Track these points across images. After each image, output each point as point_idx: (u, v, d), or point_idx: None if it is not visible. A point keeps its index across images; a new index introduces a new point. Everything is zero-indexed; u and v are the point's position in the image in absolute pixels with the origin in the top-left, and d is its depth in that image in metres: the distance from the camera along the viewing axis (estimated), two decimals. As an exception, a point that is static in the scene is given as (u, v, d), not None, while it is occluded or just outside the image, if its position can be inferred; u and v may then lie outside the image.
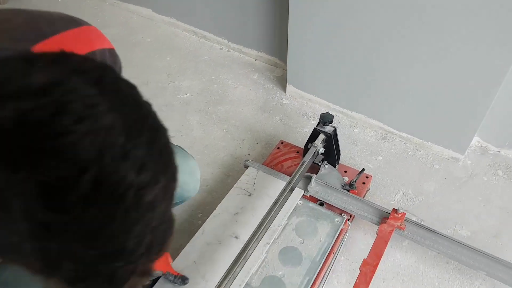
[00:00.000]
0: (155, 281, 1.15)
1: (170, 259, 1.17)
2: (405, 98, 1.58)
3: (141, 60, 2.05)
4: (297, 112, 1.82)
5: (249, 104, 1.86)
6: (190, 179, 1.26)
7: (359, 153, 1.66)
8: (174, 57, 2.07)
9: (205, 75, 1.98)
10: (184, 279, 1.13)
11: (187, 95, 1.88)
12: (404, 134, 1.69)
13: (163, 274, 1.12)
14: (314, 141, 1.37)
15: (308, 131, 1.61)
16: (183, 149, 1.31)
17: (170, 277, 1.12)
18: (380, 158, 1.64)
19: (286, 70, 1.85)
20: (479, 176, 1.57)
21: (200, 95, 1.89)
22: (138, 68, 2.00)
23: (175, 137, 1.71)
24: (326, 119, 1.33)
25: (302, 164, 1.31)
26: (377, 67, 1.56)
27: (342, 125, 1.76)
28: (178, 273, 1.14)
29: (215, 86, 1.93)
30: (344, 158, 1.61)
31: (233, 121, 1.79)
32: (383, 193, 1.52)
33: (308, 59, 1.71)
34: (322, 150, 1.38)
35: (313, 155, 1.35)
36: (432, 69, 1.45)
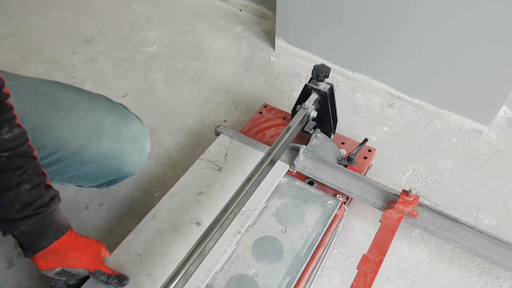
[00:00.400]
0: (82, 281, 0.86)
1: (103, 252, 0.87)
2: (418, 56, 1.27)
3: (102, 5, 1.71)
4: (286, 72, 1.51)
5: (229, 61, 1.54)
6: (132, 148, 0.95)
7: (360, 123, 1.35)
8: (142, 3, 1.73)
9: (177, 25, 1.65)
10: (121, 279, 0.84)
11: (153, 48, 1.56)
12: (415, 101, 1.38)
13: (90, 273, 0.82)
14: (305, 101, 1.06)
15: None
16: (125, 108, 1.00)
17: (102, 277, 0.83)
18: (385, 128, 1.34)
19: (275, 23, 1.52)
20: (506, 153, 1.28)
21: (169, 49, 1.56)
22: (97, 16, 1.66)
23: (133, 97, 1.39)
24: (320, 71, 1.02)
25: (287, 130, 1.00)
26: (385, 16, 1.24)
27: (341, 89, 1.45)
28: (114, 271, 0.84)
29: (189, 39, 1.60)
30: (342, 128, 1.31)
31: (208, 80, 1.47)
32: (389, 171, 1.22)
33: (301, 7, 1.38)
34: (314, 114, 1.08)
35: (302, 119, 1.04)
36: (456, 21, 1.13)
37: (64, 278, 0.82)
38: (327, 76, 1.03)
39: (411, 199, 0.96)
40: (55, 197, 0.79)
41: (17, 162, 0.74)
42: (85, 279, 0.86)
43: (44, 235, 0.77)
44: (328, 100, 1.06)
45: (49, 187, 0.78)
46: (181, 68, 1.50)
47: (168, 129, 1.32)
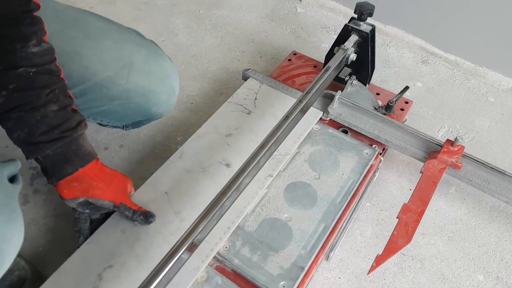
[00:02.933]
0: (105, 218, 0.80)
1: (129, 187, 0.81)
2: (456, 8, 1.18)
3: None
4: (314, 24, 1.42)
5: (253, 10, 1.45)
6: (162, 87, 0.88)
7: (393, 77, 1.28)
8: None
9: (199, -29, 1.55)
10: (147, 216, 0.78)
11: (174, -8, 1.47)
12: (452, 57, 1.30)
13: (115, 207, 0.77)
14: (344, 43, 0.99)
15: (328, 47, 1.22)
16: (155, 45, 0.93)
17: (127, 212, 0.77)
18: (419, 84, 1.27)
19: (303, -31, 1.43)
20: (546, 115, 1.21)
21: (191, -5, 1.47)
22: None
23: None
24: (364, 9, 0.94)
25: (326, 71, 0.93)
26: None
27: (371, 42, 1.37)
28: (140, 207, 0.79)
29: (212, -15, 1.51)
30: (374, 82, 1.24)
31: (231, 28, 1.39)
32: (423, 127, 1.16)
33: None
34: (353, 57, 1.00)
35: (340, 61, 0.97)
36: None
37: (87, 211, 0.77)
38: (371, 15, 0.96)
39: (456, 149, 0.90)
40: (82, 122, 0.72)
41: (45, 80, 0.67)
42: (108, 215, 0.81)
43: (69, 161, 0.71)
44: (369, 43, 0.99)
45: (75, 111, 0.72)
46: (203, 15, 1.41)
47: (190, 75, 1.24)
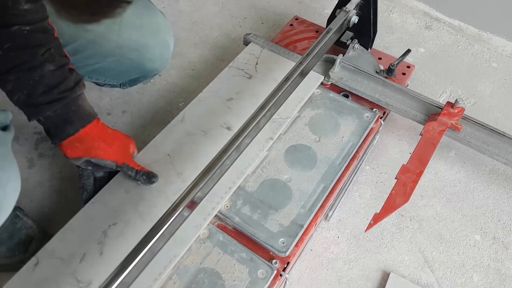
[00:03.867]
0: (110, 177, 0.82)
1: (132, 148, 0.82)
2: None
3: None
4: (316, -10, 1.40)
5: (254, -25, 1.43)
6: (155, 41, 0.88)
7: (396, 43, 1.27)
8: None
9: None
10: (150, 177, 0.80)
11: (174, -43, 1.44)
12: (455, 22, 1.28)
13: (118, 167, 0.78)
14: (345, 5, 0.98)
15: (330, 13, 1.21)
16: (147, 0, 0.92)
17: (130, 172, 0.79)
18: (422, 50, 1.26)
19: None
20: (549, 80, 1.20)
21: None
22: None
23: (156, 8, 1.30)
24: (366, -31, 0.93)
25: (327, 33, 0.92)
26: None
27: (374, 8, 1.35)
28: (142, 168, 0.80)
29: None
30: (376, 47, 1.22)
31: (233, -6, 1.37)
32: (425, 92, 1.15)
33: None
34: (355, 20, 0.99)
35: (342, 23, 0.96)
36: None
37: (90, 168, 0.78)
38: (373, -25, 0.94)
39: (456, 111, 0.90)
40: (80, 81, 0.73)
41: (39, 39, 0.67)
42: (113, 174, 0.82)
43: (70, 122, 0.72)
44: (371, 4, 0.97)
45: (72, 70, 0.72)
46: (203, -19, 1.39)
47: (191, 41, 1.24)
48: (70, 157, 0.75)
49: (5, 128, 0.65)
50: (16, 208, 0.84)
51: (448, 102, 0.91)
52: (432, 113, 0.94)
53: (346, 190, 0.93)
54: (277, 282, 0.73)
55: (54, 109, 0.70)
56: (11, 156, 0.63)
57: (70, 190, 0.93)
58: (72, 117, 0.72)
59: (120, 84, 0.95)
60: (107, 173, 0.82)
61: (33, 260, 0.72)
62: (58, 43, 0.71)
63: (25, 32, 0.66)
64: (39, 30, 0.68)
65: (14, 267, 0.75)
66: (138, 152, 0.86)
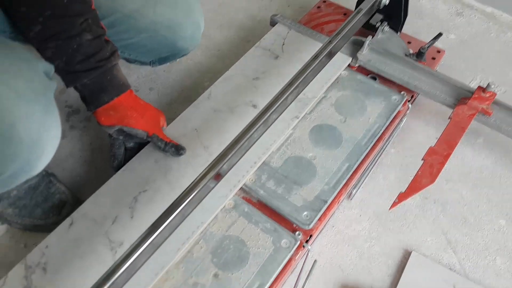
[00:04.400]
0: (139, 147, 0.85)
1: (162, 121, 0.85)
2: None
3: None
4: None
5: (284, -41, 1.43)
6: (187, 20, 0.89)
7: (425, 28, 1.25)
8: None
9: None
10: (179, 149, 0.82)
11: None
12: (488, 9, 1.26)
13: (148, 137, 0.81)
14: (376, -14, 0.97)
15: (359, -4, 1.20)
16: None
17: (159, 143, 0.81)
18: (452, 36, 1.24)
19: None
20: None
21: None
22: None
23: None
24: (399, -51, 0.92)
25: (358, 13, 0.92)
26: None
27: (405, -6, 1.33)
28: (171, 140, 0.83)
29: None
30: (405, 32, 1.21)
31: (261, -23, 1.38)
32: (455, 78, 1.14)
33: None
34: (386, 1, 0.99)
35: (372, 4, 0.96)
36: None
37: (121, 137, 0.81)
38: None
39: (487, 95, 0.89)
40: (115, 52, 0.76)
41: (78, 9, 0.70)
42: (142, 147, 0.85)
43: (105, 90, 0.75)
44: (403, -14, 0.97)
45: (108, 41, 0.75)
46: (233, -36, 1.41)
47: (217, 23, 1.25)
48: (104, 124, 0.78)
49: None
50: (50, 174, 0.88)
51: (479, 87, 0.90)
52: (462, 97, 0.93)
53: (370, 171, 0.94)
54: (300, 253, 0.74)
55: (90, 77, 0.73)
56: (54, 104, 0.66)
57: (100, 161, 0.96)
58: (107, 86, 0.75)
59: (150, 61, 0.97)
60: (137, 144, 0.84)
61: (68, 220, 0.76)
62: (95, 14, 0.74)
63: (65, 1, 0.68)
64: (78, 0, 0.70)
65: (49, 228, 0.79)
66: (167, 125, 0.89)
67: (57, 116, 0.67)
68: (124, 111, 0.78)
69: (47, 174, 0.88)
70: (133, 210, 0.76)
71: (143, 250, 0.62)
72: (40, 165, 0.66)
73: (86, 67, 0.72)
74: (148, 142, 0.84)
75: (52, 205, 0.85)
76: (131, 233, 0.73)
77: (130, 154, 0.84)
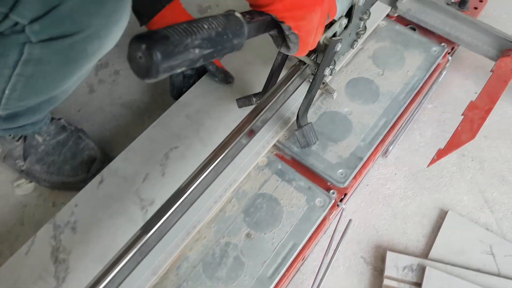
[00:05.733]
0: (199, 75, 0.86)
1: None
2: None
3: None
4: None
5: None
6: None
7: (467, -26, 1.15)
8: None
9: None
10: (227, 76, 0.84)
11: None
12: (538, -49, 1.15)
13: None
14: None
15: None
16: None
17: (211, 67, 0.82)
18: (496, -17, 1.14)
19: None
20: None
21: None
22: None
23: None
24: None
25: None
26: None
27: None
28: (222, 66, 0.84)
29: None
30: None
31: None
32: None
33: None
34: None
35: None
36: None
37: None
38: None
39: (535, 46, 0.83)
40: None
41: None
42: (201, 74, 0.86)
43: None
44: None
45: None
46: None
47: None
48: None
49: None
50: (79, 130, 0.87)
51: (527, 37, 0.84)
52: (506, 49, 0.87)
53: (406, 127, 0.90)
54: (334, 212, 0.73)
55: None
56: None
57: (129, 116, 0.94)
58: None
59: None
60: (195, 71, 0.85)
61: (97, 178, 0.75)
62: None
63: None
64: None
65: (78, 185, 0.78)
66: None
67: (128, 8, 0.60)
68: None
69: (76, 130, 0.86)
70: (164, 167, 0.75)
71: (175, 210, 0.61)
72: (113, 35, 0.60)
73: None
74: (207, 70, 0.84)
75: (81, 161, 0.84)
76: (162, 191, 0.72)
77: (188, 81, 0.86)
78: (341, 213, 0.76)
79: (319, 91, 0.83)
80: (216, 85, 0.84)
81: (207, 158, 0.66)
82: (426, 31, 0.93)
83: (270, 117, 0.75)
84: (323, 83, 0.82)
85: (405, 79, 0.86)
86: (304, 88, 0.76)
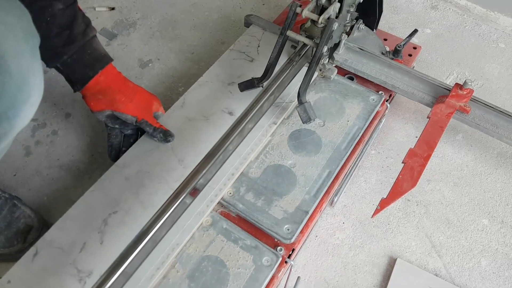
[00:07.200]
0: (139, 134, 0.86)
1: (156, 105, 0.85)
2: None
3: None
4: (318, -31, 1.35)
5: (254, -45, 1.38)
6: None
7: (401, 24, 1.23)
8: None
9: None
10: (167, 135, 0.82)
11: None
12: (462, 2, 1.25)
13: (137, 122, 0.80)
14: (350, -17, 0.94)
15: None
16: None
17: (148, 128, 0.80)
18: (428, 31, 1.22)
19: None
20: (559, 61, 1.17)
21: None
22: None
23: (153, -10, 1.26)
24: None
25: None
26: None
27: (379, -12, 1.31)
28: (161, 125, 0.82)
29: None
30: (381, 28, 1.19)
31: (232, -25, 1.33)
32: (432, 74, 1.12)
33: None
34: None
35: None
36: None
37: (117, 126, 0.81)
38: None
39: (464, 93, 0.87)
40: (89, 23, 0.74)
41: None
42: (143, 133, 0.85)
43: (88, 65, 0.73)
44: (377, -17, 0.94)
45: (80, 10, 0.72)
46: (202, -39, 1.35)
47: (190, 24, 1.20)
48: (95, 110, 0.78)
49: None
50: (14, 197, 0.82)
51: (456, 84, 0.88)
52: (440, 95, 0.91)
53: (351, 175, 0.91)
54: (282, 269, 0.71)
55: (70, 53, 0.70)
56: (38, 53, 0.56)
57: (68, 179, 0.90)
58: (89, 59, 0.73)
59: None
60: (136, 130, 0.84)
61: (32, 250, 0.70)
62: None
63: None
64: None
65: (13, 256, 0.74)
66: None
67: (41, 68, 0.56)
68: (113, 95, 0.77)
69: (10, 197, 0.82)
70: (103, 235, 0.71)
71: (114, 281, 0.58)
72: (24, 113, 0.54)
73: (63, 41, 0.69)
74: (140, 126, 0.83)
75: (16, 231, 0.79)
76: (101, 260, 0.68)
77: (128, 140, 0.84)
78: (290, 269, 0.74)
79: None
80: (157, 144, 0.82)
81: (147, 222, 0.63)
82: (364, 80, 0.96)
83: (213, 175, 0.75)
84: (321, 70, 0.90)
85: (345, 129, 0.88)
86: (243, 143, 0.76)
